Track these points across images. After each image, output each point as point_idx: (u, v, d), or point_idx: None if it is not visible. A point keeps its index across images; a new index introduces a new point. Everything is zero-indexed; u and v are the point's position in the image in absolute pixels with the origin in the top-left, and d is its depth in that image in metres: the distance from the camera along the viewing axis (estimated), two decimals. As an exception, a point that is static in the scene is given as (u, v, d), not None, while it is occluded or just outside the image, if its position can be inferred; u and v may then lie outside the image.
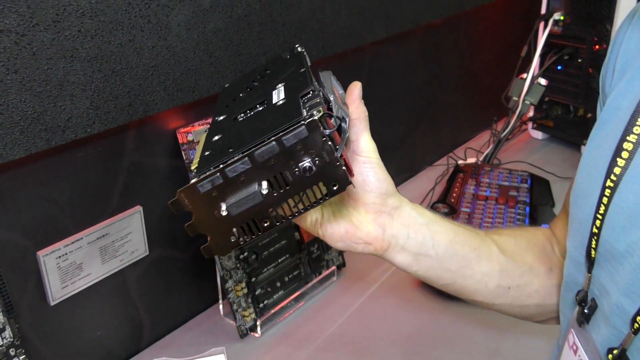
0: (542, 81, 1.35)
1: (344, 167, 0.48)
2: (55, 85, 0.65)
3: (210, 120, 0.86)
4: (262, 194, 0.48)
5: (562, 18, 1.36)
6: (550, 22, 1.36)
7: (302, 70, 0.55)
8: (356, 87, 0.58)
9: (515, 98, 1.36)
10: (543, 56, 1.39)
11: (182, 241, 0.90)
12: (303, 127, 0.46)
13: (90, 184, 0.77)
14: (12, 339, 0.70)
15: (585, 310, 0.54)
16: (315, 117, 0.46)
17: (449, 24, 1.33)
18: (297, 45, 0.58)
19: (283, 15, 0.89)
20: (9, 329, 0.70)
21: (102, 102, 0.70)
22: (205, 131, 0.58)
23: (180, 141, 0.84)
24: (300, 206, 0.49)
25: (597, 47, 1.31)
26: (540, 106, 1.46)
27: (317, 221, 0.58)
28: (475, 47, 1.49)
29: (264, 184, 0.48)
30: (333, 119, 0.48)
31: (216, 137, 0.54)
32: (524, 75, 1.36)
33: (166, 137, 0.84)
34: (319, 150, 0.47)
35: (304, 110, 0.47)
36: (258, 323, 0.91)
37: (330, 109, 0.50)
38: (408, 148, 1.36)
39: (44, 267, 0.74)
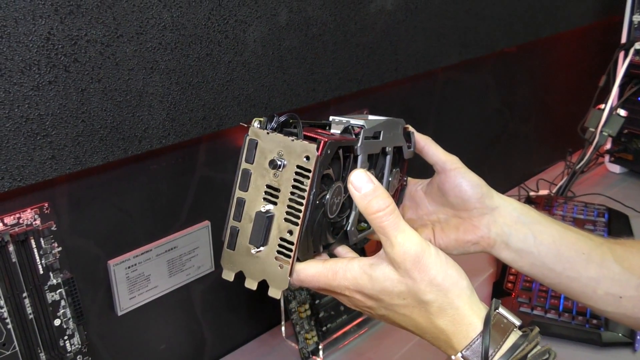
0: (622, 112, 1.29)
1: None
2: (135, 95, 0.67)
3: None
4: (262, 212, 0.51)
5: (644, 47, 1.31)
6: (631, 51, 1.31)
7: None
8: (409, 128, 0.66)
9: (592, 129, 1.31)
10: (623, 86, 1.34)
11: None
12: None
13: (161, 196, 0.78)
14: (80, 346, 0.70)
15: None
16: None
17: (523, 51, 1.30)
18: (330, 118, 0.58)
19: (357, 36, 0.89)
20: (78, 336, 0.70)
21: (178, 114, 0.71)
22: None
23: (250, 158, 0.84)
24: (300, 193, 0.50)
25: (681, 77, 1.25)
26: (619, 138, 1.39)
27: (431, 241, 0.63)
28: (550, 76, 1.45)
29: (263, 205, 0.51)
30: None
31: None
32: (602, 106, 1.31)
33: (236, 153, 0.84)
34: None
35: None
36: (320, 347, 0.89)
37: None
38: (477, 177, 1.33)
39: (113, 277, 0.75)
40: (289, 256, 0.51)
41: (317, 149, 0.49)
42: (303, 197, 0.50)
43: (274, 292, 0.53)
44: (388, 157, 0.62)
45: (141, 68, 0.66)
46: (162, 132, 0.70)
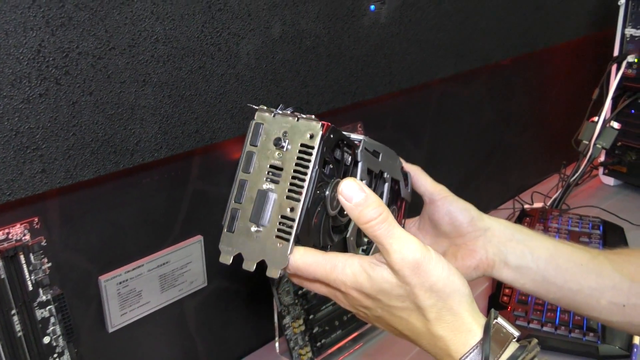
0: (615, 125, 1.29)
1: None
2: (127, 108, 0.66)
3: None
4: (264, 190, 0.52)
5: (636, 60, 1.31)
6: (624, 64, 1.32)
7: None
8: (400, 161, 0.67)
9: (585, 142, 1.31)
10: (616, 99, 1.34)
11: (241, 273, 0.88)
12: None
13: (153, 210, 0.77)
14: (69, 364, 0.69)
15: None
16: None
17: (518, 63, 1.30)
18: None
19: (351, 49, 0.88)
20: (68, 354, 0.69)
21: (170, 127, 0.70)
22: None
23: (244, 171, 0.84)
24: (303, 170, 0.51)
25: (674, 90, 1.26)
26: (613, 151, 1.39)
27: None
28: (545, 89, 1.45)
29: (266, 184, 0.52)
30: None
31: None
32: (595, 119, 1.31)
33: (229, 166, 0.83)
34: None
35: None
36: (315, 363, 0.88)
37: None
38: (473, 190, 1.32)
39: (104, 293, 0.73)
40: (289, 233, 0.51)
41: (322, 128, 0.50)
42: (306, 174, 0.50)
43: (273, 272, 0.52)
44: (386, 185, 0.62)
45: (133, 81, 0.66)
46: (154, 146, 0.70)
